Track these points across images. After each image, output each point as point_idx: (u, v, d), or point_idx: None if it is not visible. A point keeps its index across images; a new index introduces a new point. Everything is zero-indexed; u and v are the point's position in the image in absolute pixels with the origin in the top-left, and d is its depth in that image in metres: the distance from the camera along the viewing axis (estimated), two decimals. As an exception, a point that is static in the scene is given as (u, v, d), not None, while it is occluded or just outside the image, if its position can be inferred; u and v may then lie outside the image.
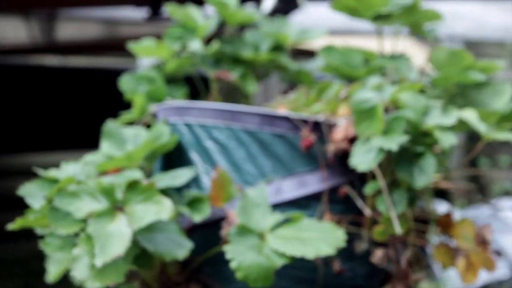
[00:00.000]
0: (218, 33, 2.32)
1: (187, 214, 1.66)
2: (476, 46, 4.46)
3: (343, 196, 1.79)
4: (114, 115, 2.07)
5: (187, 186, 1.79)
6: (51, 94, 3.62)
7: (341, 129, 1.76)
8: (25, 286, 3.23)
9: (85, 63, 3.74)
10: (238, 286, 1.74)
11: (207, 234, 1.75)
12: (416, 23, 2.06)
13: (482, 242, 1.84)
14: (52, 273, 1.60)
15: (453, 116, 1.70)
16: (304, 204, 1.76)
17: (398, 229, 1.69)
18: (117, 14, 3.37)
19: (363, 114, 1.73)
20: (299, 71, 2.22)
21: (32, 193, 1.61)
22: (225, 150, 1.78)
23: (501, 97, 1.96)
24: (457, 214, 3.91)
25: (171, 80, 2.19)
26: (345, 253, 1.80)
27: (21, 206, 1.69)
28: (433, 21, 2.08)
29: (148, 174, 1.83)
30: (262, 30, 2.20)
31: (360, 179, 1.79)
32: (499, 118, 1.90)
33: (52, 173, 1.65)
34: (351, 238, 1.81)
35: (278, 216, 1.66)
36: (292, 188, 1.76)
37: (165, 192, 1.65)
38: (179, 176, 1.67)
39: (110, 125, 1.79)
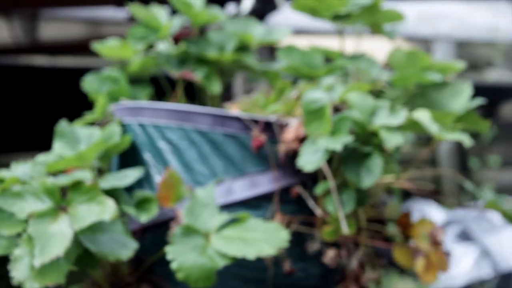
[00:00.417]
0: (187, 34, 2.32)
1: (133, 215, 1.66)
2: (467, 47, 4.45)
3: (295, 197, 1.79)
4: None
5: (141, 186, 1.80)
6: (36, 94, 3.63)
7: (292, 129, 1.77)
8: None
9: (71, 63, 3.75)
10: (188, 286, 1.74)
11: (159, 235, 1.76)
12: (376, 23, 2.06)
13: (435, 242, 1.84)
14: None
15: (400, 117, 1.70)
16: (255, 204, 1.77)
17: (345, 229, 1.69)
18: (99, 14, 3.38)
19: (313, 114, 1.73)
20: (266, 71, 2.22)
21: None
22: (177, 150, 1.78)
23: (460, 97, 1.96)
24: (443, 215, 3.89)
25: (137, 80, 2.19)
26: (298, 253, 1.81)
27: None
28: (395, 21, 2.08)
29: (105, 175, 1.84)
30: (227, 30, 2.21)
31: (312, 179, 1.79)
32: (455, 119, 1.90)
33: (1, 173, 1.66)
34: (304, 238, 1.81)
35: (225, 217, 1.66)
36: (243, 188, 1.77)
37: (113, 192, 1.66)
38: (126, 177, 1.68)
39: (63, 125, 1.80)
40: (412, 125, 1.82)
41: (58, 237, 1.49)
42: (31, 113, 3.66)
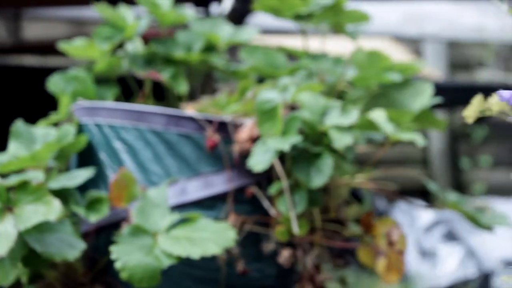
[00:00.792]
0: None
1: (82, 215, 1.67)
2: (458, 47, 4.43)
3: (250, 197, 1.79)
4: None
5: (96, 186, 1.80)
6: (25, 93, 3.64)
7: (247, 130, 1.77)
8: None
9: (60, 63, 3.76)
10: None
11: (112, 235, 1.76)
12: (339, 23, 2.05)
13: (390, 242, 1.84)
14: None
15: (351, 117, 1.69)
16: (210, 204, 1.77)
17: (296, 229, 1.69)
18: (83, 13, 3.38)
19: (266, 114, 1.73)
20: (235, 71, 2.22)
21: None
22: (132, 151, 1.79)
23: (421, 97, 1.96)
24: (431, 215, 3.88)
25: (104, 80, 2.19)
26: (254, 253, 1.81)
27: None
28: (359, 22, 2.08)
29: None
30: (194, 30, 2.21)
31: (267, 179, 1.79)
32: (412, 118, 1.90)
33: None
34: (260, 238, 1.81)
35: (176, 217, 1.66)
36: (197, 188, 1.77)
37: (63, 192, 1.66)
38: (77, 177, 1.68)
39: (19, 124, 1.80)
40: (367, 125, 1.82)
41: (2, 237, 1.50)
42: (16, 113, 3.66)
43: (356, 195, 2.31)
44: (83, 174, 1.69)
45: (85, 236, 1.77)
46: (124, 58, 2.15)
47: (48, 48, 3.29)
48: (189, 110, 1.80)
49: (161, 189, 1.70)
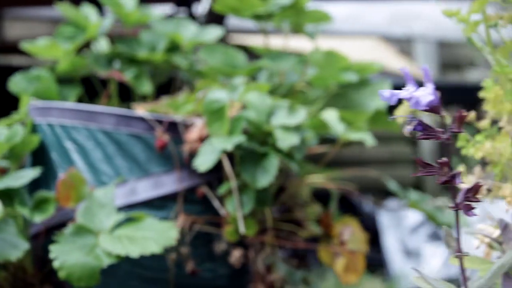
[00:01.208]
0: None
1: (26, 215, 1.66)
2: (448, 47, 4.41)
3: (201, 197, 1.78)
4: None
5: (48, 187, 1.80)
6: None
7: (196, 130, 1.76)
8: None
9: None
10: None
11: (62, 235, 1.76)
12: (298, 23, 2.04)
13: (341, 242, 1.83)
14: None
15: (298, 116, 1.68)
16: (160, 205, 1.76)
17: (242, 229, 1.68)
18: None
19: (214, 114, 1.73)
20: (200, 71, 2.21)
21: None
22: (83, 151, 1.78)
23: (378, 97, 1.94)
24: (418, 215, 3.86)
25: (68, 80, 2.19)
26: (205, 253, 1.80)
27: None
28: (321, 22, 2.07)
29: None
30: (157, 30, 2.20)
31: (218, 179, 1.79)
32: (368, 118, 1.89)
33: None
34: (211, 238, 1.80)
35: (121, 216, 1.66)
36: (147, 188, 1.76)
37: (8, 192, 1.66)
38: (22, 177, 1.68)
39: (-29, 124, 1.81)
40: (320, 125, 1.81)
41: None
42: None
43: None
44: (29, 174, 1.69)
45: (35, 236, 1.77)
46: (87, 58, 2.15)
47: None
48: (140, 110, 1.80)
49: (108, 189, 1.69)
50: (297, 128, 1.67)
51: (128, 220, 1.68)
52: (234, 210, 1.69)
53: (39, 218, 1.66)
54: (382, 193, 3.65)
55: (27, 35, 3.40)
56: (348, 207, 3.24)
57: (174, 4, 3.19)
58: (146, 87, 2.13)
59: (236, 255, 1.77)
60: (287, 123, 1.67)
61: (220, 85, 1.82)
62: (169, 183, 1.76)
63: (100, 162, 1.77)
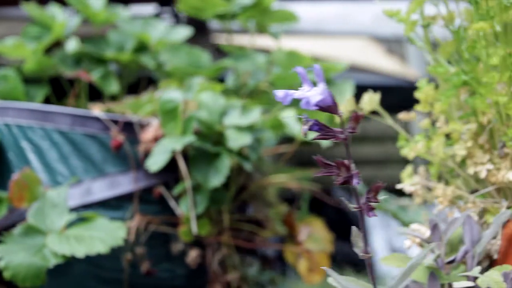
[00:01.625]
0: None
1: (-24, 215, 1.66)
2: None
3: (158, 197, 1.77)
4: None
5: (4, 187, 1.79)
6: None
7: (152, 130, 1.75)
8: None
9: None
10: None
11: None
12: (262, 23, 2.03)
13: (296, 242, 1.82)
14: None
15: (251, 117, 1.67)
16: (116, 205, 1.75)
17: (194, 229, 1.67)
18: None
19: (168, 114, 1.72)
20: (168, 71, 2.20)
21: None
22: (39, 151, 1.78)
23: (343, 97, 1.93)
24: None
25: (36, 80, 2.19)
26: (163, 253, 1.79)
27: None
28: (287, 22, 2.06)
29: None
30: (125, 30, 2.19)
31: (175, 180, 1.78)
32: (329, 118, 1.87)
33: None
34: (168, 238, 1.79)
35: (72, 217, 1.65)
36: (103, 188, 1.75)
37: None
38: (-26, 177, 1.68)
39: None
40: (278, 125, 1.80)
41: None
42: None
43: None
44: (-18, 174, 1.68)
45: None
46: (55, 58, 2.15)
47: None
48: (96, 110, 1.79)
49: (61, 189, 1.68)
50: (249, 128, 1.66)
51: (80, 220, 1.67)
52: (188, 210, 1.68)
53: (-10, 218, 1.66)
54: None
55: (10, 35, 3.39)
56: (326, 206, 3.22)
57: (158, 4, 3.18)
58: (113, 87, 2.13)
59: (192, 255, 1.76)
60: (240, 123, 1.66)
61: (181, 85, 1.81)
62: (125, 183, 1.76)
63: (56, 162, 1.76)
